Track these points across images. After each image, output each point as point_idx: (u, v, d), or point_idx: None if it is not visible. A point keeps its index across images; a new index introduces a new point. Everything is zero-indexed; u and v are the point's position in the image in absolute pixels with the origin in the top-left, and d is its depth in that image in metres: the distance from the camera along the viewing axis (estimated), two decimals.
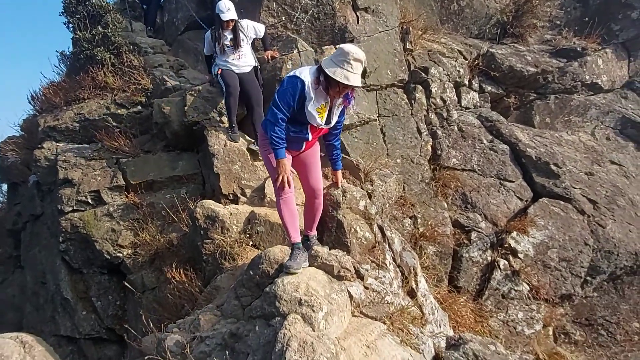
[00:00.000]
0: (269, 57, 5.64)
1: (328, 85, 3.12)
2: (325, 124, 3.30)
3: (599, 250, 5.96)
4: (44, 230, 6.17)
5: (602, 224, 6.13)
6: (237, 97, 5.19)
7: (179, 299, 4.24)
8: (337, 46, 3.38)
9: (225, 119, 5.48)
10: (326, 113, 3.24)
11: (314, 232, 3.70)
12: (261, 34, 5.51)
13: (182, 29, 7.70)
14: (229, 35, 5.27)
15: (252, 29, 5.43)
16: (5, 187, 8.41)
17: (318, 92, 3.15)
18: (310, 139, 3.34)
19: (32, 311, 6.15)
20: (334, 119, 3.37)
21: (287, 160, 3.22)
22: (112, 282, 5.46)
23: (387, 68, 6.32)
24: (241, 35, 5.31)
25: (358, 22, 6.21)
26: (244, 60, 5.33)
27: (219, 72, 5.25)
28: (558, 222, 6.02)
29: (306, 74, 3.15)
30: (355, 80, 3.07)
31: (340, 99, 3.26)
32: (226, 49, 5.27)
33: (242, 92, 5.24)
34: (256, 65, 5.48)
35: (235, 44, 5.27)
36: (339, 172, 3.96)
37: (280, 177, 3.19)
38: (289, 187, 3.24)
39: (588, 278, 5.89)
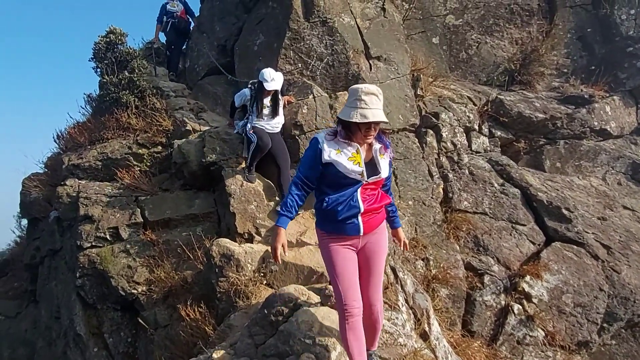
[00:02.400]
0: (286, 102, 5.90)
1: (349, 133, 2.80)
2: (373, 174, 2.85)
3: (614, 297, 5.86)
4: (61, 264, 6.30)
5: (616, 269, 6.06)
6: (264, 152, 5.33)
7: (191, 337, 4.26)
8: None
9: (241, 159, 5.68)
10: (362, 160, 2.82)
11: (374, 347, 3.23)
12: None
13: (203, 74, 8.12)
14: (267, 98, 5.39)
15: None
16: (25, 222, 8.67)
17: (339, 143, 2.83)
18: (362, 209, 2.82)
19: (44, 346, 6.17)
20: (384, 170, 2.91)
21: (284, 232, 2.84)
22: (125, 319, 5.49)
23: (399, 113, 6.54)
24: (280, 102, 5.48)
25: (371, 70, 6.50)
26: (277, 121, 5.49)
27: (252, 131, 5.35)
28: (572, 266, 5.97)
29: (322, 132, 2.98)
30: (375, 115, 2.68)
31: (379, 145, 2.91)
32: (264, 112, 5.41)
33: (269, 152, 5.36)
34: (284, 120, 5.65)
35: (275, 112, 5.44)
36: (400, 230, 3.36)
37: (273, 250, 2.84)
38: (279, 262, 2.89)
39: (605, 325, 5.76)
